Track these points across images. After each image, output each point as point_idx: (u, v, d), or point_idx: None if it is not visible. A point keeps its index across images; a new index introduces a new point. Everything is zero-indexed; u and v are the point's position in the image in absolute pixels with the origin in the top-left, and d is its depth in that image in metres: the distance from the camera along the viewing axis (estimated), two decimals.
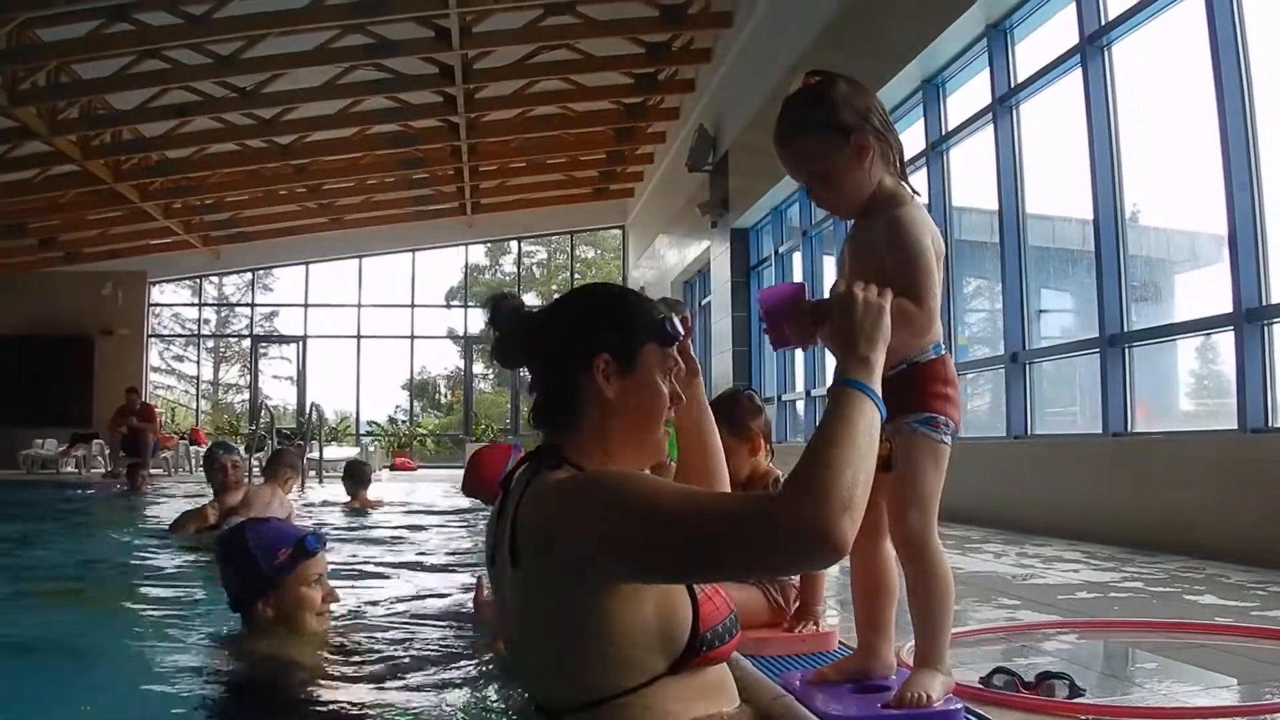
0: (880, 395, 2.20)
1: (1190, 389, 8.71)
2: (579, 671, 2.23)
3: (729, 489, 2.84)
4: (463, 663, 3.60)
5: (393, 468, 25.37)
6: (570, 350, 2.39)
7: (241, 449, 11.74)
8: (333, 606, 3.89)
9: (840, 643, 3.67)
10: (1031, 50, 9.49)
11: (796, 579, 3.91)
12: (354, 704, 3.01)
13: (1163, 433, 8.12)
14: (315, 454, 19.49)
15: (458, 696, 3.12)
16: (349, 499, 11.98)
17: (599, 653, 2.19)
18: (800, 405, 15.17)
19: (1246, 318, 6.63)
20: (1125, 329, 8.00)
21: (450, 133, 21.14)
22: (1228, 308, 6.81)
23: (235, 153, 21.44)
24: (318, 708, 2.95)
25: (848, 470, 2.00)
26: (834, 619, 4.05)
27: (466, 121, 20.23)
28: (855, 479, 2.00)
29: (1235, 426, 6.72)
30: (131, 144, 20.25)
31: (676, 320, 2.50)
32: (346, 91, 18.56)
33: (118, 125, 19.37)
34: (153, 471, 20.47)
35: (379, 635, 4.18)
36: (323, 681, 3.25)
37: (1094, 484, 7.92)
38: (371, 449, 25.95)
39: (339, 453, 23.53)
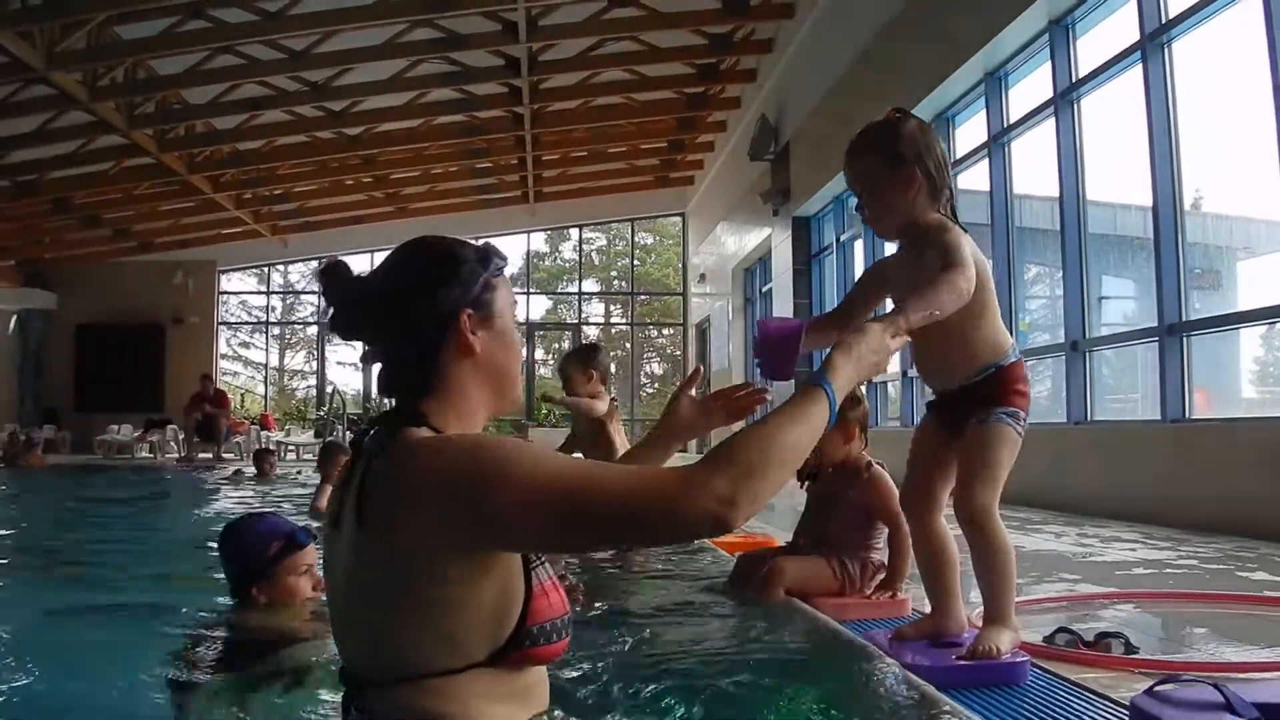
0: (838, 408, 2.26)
1: (1254, 376, 8.87)
2: (398, 644, 2.13)
3: None
4: None
5: None
6: (430, 313, 2.28)
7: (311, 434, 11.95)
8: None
9: (913, 609, 3.99)
10: (1093, 45, 9.67)
11: (881, 557, 4.21)
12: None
13: (1219, 419, 8.32)
14: None
15: None
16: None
17: (425, 628, 2.10)
18: (894, 387, 15.08)
19: None
20: (1184, 318, 8.20)
21: (515, 123, 21.46)
22: None
23: (304, 144, 21.91)
24: (298, 664, 3.13)
25: (775, 461, 2.07)
26: (908, 589, 4.35)
27: (531, 112, 20.57)
28: (776, 471, 2.08)
29: None
30: (204, 137, 20.72)
31: (493, 246, 2.41)
32: (414, 84, 18.93)
33: (191, 119, 19.86)
34: (225, 455, 21.08)
35: None
36: (309, 641, 3.43)
37: (1152, 469, 8.13)
38: None
39: None
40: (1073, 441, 9.50)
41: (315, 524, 4.97)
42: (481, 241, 2.43)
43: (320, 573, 3.96)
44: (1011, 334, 8.68)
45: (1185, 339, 8.17)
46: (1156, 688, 2.12)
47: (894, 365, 15.17)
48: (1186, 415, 8.11)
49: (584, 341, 31.84)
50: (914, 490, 3.39)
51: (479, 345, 2.28)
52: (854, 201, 10.99)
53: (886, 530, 4.25)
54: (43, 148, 19.60)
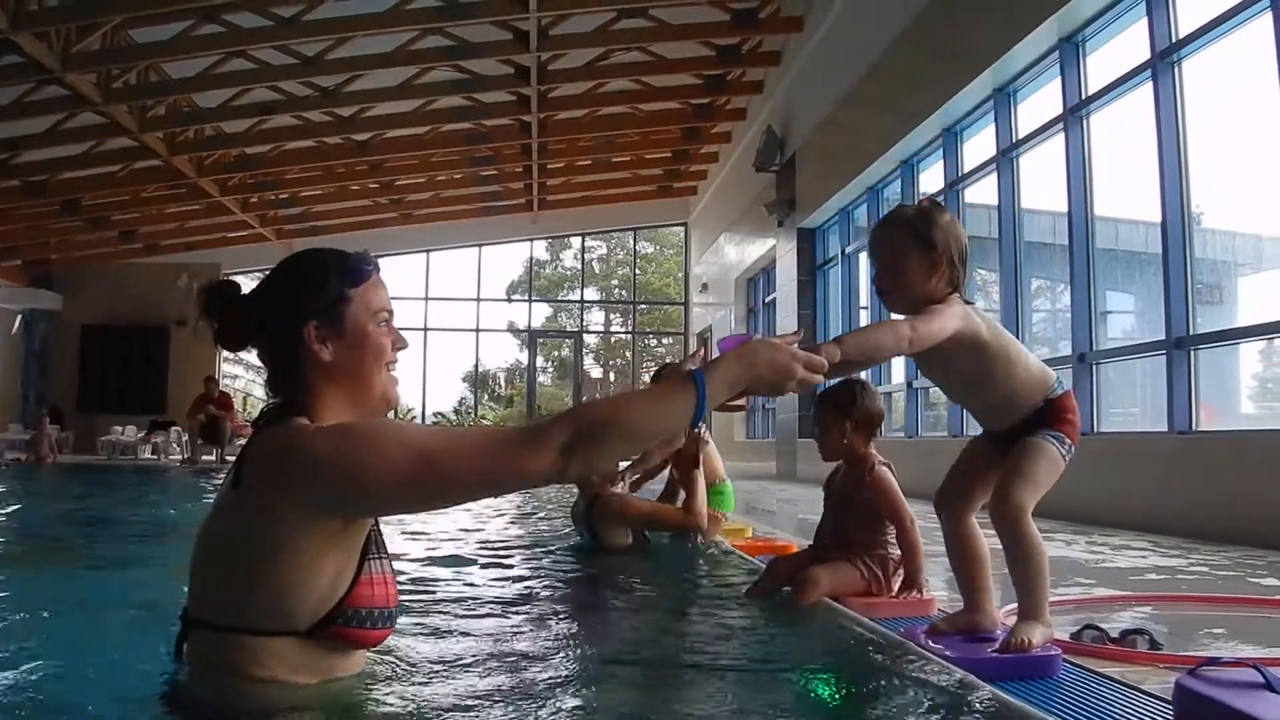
0: (707, 406, 2.39)
1: (1253, 392, 8.97)
2: (237, 594, 2.34)
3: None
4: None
5: None
6: (280, 327, 2.53)
7: None
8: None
9: (939, 609, 4.11)
10: (1102, 62, 9.79)
11: (897, 554, 4.32)
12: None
13: (1227, 431, 8.44)
14: None
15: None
16: None
17: (263, 589, 2.32)
18: (899, 397, 14.97)
19: None
20: (1191, 332, 8.33)
21: (522, 131, 21.62)
22: None
23: (312, 149, 22.01)
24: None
25: (618, 431, 2.34)
26: (931, 589, 4.48)
27: (538, 120, 20.73)
28: (617, 441, 2.36)
29: None
30: (214, 140, 20.85)
31: (362, 256, 2.64)
32: (423, 91, 19.05)
33: (202, 122, 20.01)
34: (229, 458, 21.16)
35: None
36: None
37: (1159, 479, 8.25)
38: None
39: None
40: (1080, 452, 9.56)
41: None
42: (358, 250, 2.66)
43: None
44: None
45: (1192, 352, 8.29)
46: (1200, 669, 2.25)
47: (899, 375, 15.46)
48: (1193, 427, 8.23)
49: (583, 350, 31.97)
50: (950, 489, 3.56)
51: (328, 354, 2.54)
52: (861, 211, 11.15)
53: None
54: (53, 149, 19.70)
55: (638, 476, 6.79)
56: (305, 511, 2.32)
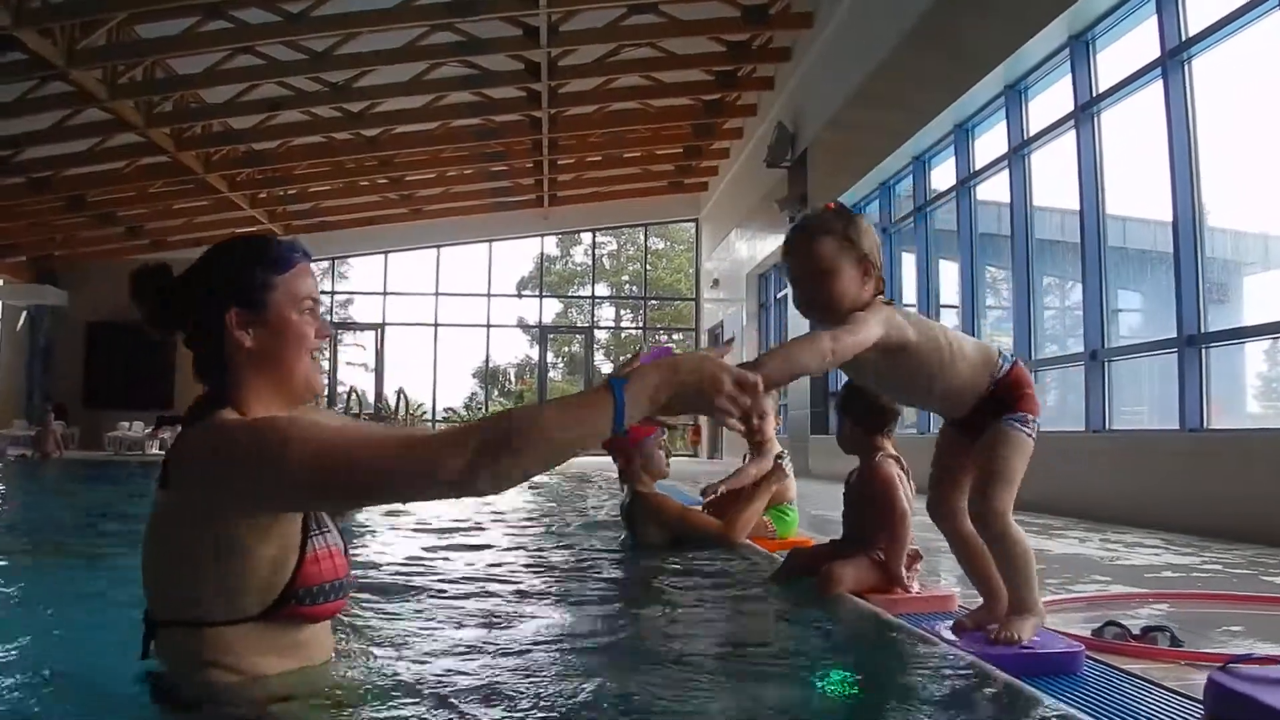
0: (626, 417, 2.29)
1: (1258, 391, 8.95)
2: (185, 591, 2.36)
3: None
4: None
5: None
6: (202, 312, 2.51)
7: None
8: None
9: (960, 605, 4.10)
10: (1113, 59, 9.77)
11: (916, 547, 4.32)
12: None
13: (1238, 429, 8.42)
14: None
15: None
16: None
17: (205, 581, 2.33)
18: None
19: None
20: (1202, 330, 8.31)
21: (532, 127, 21.64)
22: None
23: (321, 144, 22.11)
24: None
25: (533, 444, 2.23)
26: (956, 588, 4.48)
27: (548, 116, 20.74)
28: (533, 454, 2.24)
29: None
30: (221, 136, 20.93)
31: (289, 243, 2.64)
32: (433, 87, 19.13)
33: (209, 118, 20.06)
34: None
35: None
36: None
37: (1171, 477, 8.23)
38: None
39: None
40: (1091, 449, 9.57)
41: None
42: (288, 237, 2.64)
43: None
44: (1030, 344, 8.76)
45: (1204, 350, 8.27)
46: (1231, 665, 2.24)
47: None
48: (1204, 425, 8.20)
49: (594, 346, 32.04)
50: (939, 496, 3.52)
51: (250, 341, 2.51)
52: (873, 207, 11.02)
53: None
54: (58, 145, 19.74)
55: (717, 484, 6.95)
56: (230, 509, 2.33)
